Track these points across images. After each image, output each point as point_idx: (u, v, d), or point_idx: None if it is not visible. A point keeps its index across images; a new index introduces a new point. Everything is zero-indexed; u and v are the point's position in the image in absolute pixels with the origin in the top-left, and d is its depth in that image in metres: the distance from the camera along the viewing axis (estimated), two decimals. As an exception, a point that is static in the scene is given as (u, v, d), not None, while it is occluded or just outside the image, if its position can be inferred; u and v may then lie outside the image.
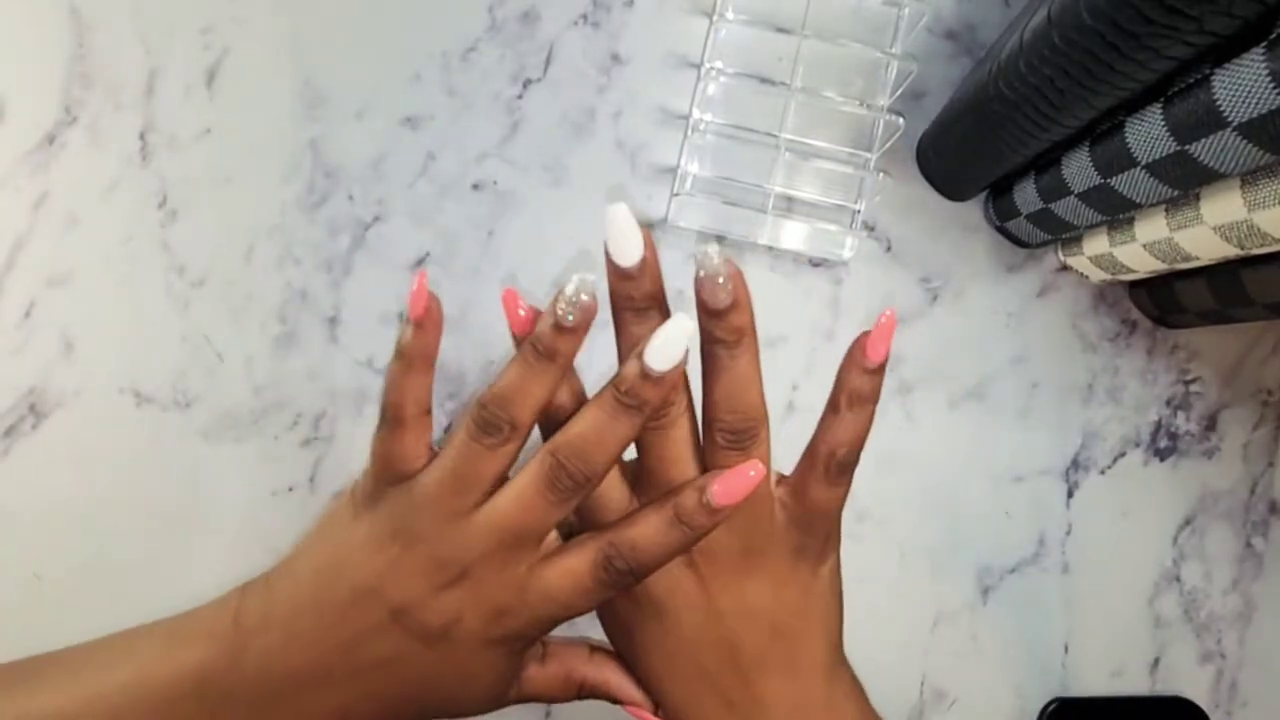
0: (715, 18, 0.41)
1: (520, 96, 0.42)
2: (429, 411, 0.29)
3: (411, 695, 0.28)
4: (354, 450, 0.41)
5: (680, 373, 0.27)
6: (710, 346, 0.28)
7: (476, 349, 0.42)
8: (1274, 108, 0.25)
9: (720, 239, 0.42)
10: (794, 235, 0.42)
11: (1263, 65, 0.24)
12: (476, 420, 0.27)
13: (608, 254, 0.27)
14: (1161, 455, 0.44)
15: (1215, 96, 0.26)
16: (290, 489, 0.41)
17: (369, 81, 0.42)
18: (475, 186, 0.42)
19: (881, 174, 0.41)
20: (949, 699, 0.42)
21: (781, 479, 0.30)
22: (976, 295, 0.43)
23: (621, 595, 0.29)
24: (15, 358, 0.40)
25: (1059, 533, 0.43)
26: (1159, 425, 0.44)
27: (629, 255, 0.27)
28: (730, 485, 0.27)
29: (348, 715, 0.28)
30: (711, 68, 0.41)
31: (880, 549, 0.42)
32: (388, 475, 0.28)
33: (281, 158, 0.41)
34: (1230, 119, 0.26)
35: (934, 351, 0.43)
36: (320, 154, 0.42)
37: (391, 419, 0.28)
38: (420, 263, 0.42)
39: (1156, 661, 0.43)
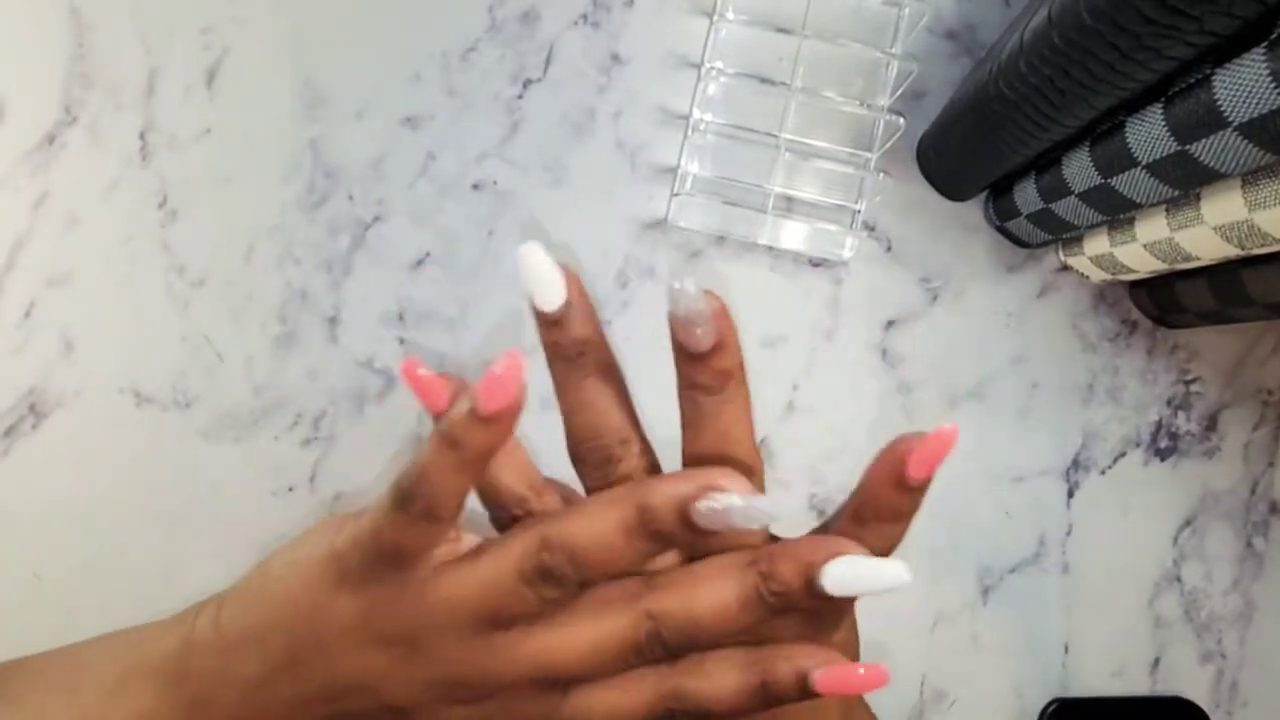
0: (715, 18, 0.41)
1: (520, 96, 0.42)
2: (463, 506, 0.23)
3: None
4: (354, 450, 0.41)
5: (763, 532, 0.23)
6: (690, 392, 0.23)
7: (476, 349, 0.42)
8: (1274, 108, 0.25)
9: (720, 239, 0.42)
10: (794, 235, 0.42)
11: (1263, 65, 0.24)
12: (537, 565, 0.22)
13: (529, 302, 0.23)
14: (1162, 455, 0.44)
15: (1216, 96, 0.26)
16: (290, 489, 0.41)
17: (369, 81, 0.42)
18: (475, 186, 0.42)
19: (881, 174, 0.41)
20: (949, 699, 0.42)
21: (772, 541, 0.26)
22: (977, 295, 0.43)
23: None
24: (15, 358, 0.40)
25: (1059, 533, 0.43)
26: (1159, 425, 0.44)
27: (550, 299, 0.23)
28: (837, 678, 0.23)
29: None
30: (711, 68, 0.41)
31: (880, 549, 0.43)
32: (389, 561, 0.23)
33: (281, 158, 0.41)
34: (1231, 119, 0.26)
35: (934, 352, 0.43)
36: (320, 154, 0.42)
37: (421, 511, 0.22)
38: (420, 263, 0.42)
39: (1157, 662, 0.43)
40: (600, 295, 0.42)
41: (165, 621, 0.27)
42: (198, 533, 0.41)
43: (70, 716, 0.25)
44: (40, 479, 0.41)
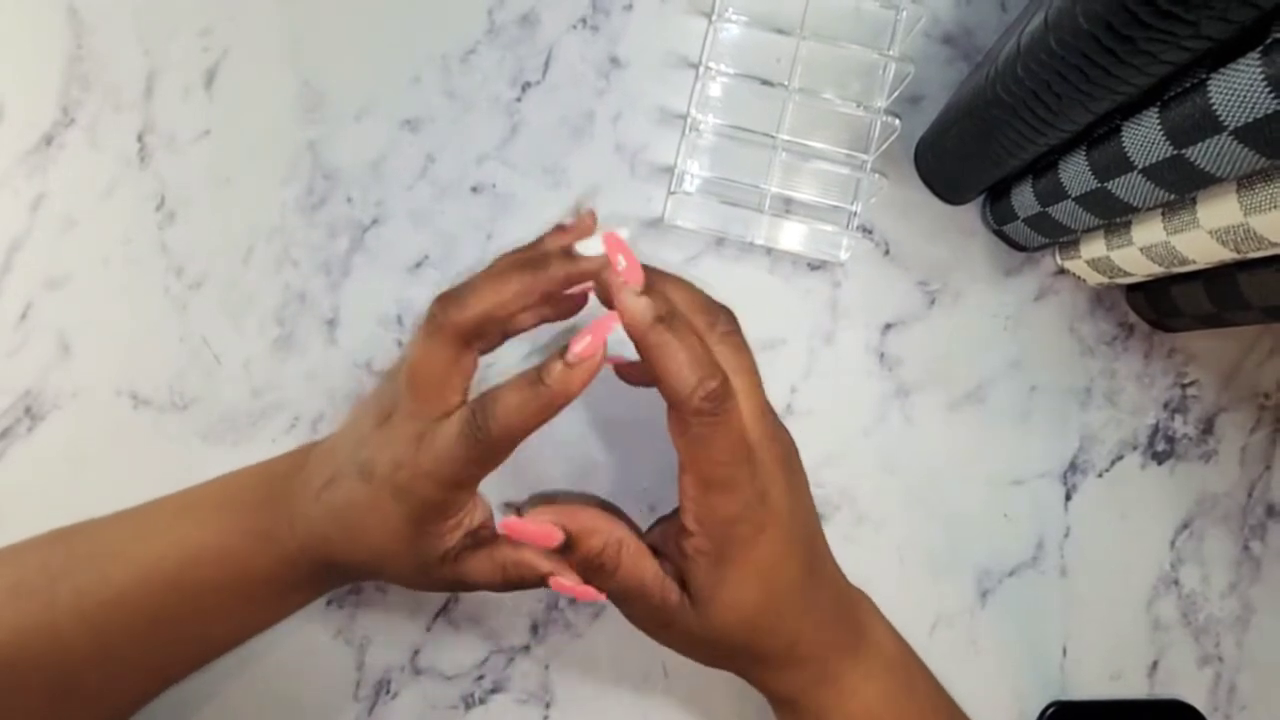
0: (714, 18, 0.41)
1: (519, 99, 0.42)
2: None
3: (356, 535, 0.33)
4: (352, 452, 0.41)
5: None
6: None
7: (475, 351, 0.42)
8: (1270, 112, 0.25)
9: (719, 241, 0.42)
10: (792, 236, 0.43)
11: (1258, 70, 0.24)
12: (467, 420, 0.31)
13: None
14: (1159, 458, 0.44)
15: (1211, 101, 0.26)
16: (288, 491, 0.41)
17: (368, 83, 0.42)
18: (474, 189, 0.42)
19: (877, 175, 0.41)
20: (947, 702, 0.42)
21: None
22: (974, 298, 0.43)
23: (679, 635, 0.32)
24: (12, 359, 0.40)
25: (1057, 536, 0.43)
26: (1156, 428, 0.44)
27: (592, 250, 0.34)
28: (583, 337, 0.29)
29: (332, 552, 0.34)
30: (710, 68, 0.41)
31: (879, 551, 0.42)
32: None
33: (280, 159, 0.41)
34: (1226, 123, 0.26)
35: (932, 354, 0.43)
36: (319, 156, 0.42)
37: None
38: (419, 265, 0.42)
39: (1155, 665, 0.43)
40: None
41: (288, 455, 0.38)
42: (195, 535, 0.41)
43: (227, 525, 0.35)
44: (36, 481, 0.41)
